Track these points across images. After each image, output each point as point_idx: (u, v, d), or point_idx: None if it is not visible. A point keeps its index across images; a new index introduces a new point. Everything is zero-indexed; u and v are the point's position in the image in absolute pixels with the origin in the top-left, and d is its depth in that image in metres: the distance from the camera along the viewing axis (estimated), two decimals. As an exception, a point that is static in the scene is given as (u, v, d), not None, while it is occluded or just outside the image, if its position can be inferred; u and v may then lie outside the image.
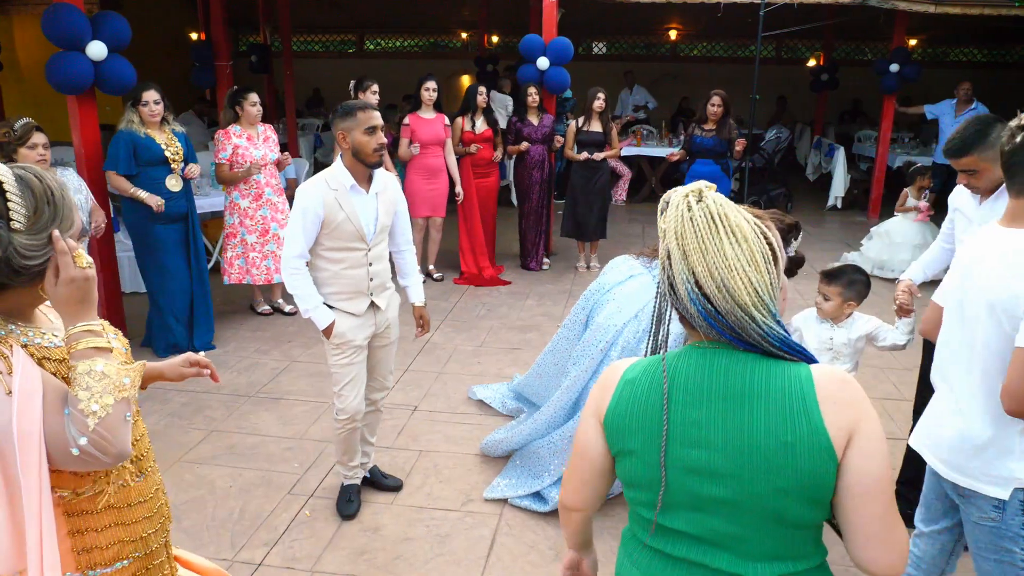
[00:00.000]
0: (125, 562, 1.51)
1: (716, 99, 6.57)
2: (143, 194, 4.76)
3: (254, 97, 5.52)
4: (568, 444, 3.35)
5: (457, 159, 6.82)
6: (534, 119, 6.99)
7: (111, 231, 5.08)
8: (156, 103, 4.77)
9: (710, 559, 1.29)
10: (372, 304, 3.15)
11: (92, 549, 1.46)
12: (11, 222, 1.31)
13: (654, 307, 1.41)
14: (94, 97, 4.86)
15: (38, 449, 1.30)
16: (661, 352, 1.38)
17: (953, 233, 3.10)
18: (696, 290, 1.25)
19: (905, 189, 7.34)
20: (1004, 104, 5.59)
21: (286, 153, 5.75)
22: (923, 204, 7.10)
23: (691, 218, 1.25)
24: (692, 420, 1.27)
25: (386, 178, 3.15)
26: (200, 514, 3.33)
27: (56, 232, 1.35)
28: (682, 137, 8.76)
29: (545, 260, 7.39)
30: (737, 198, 9.89)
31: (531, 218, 7.18)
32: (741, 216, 1.27)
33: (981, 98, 9.06)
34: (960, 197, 3.00)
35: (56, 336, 1.45)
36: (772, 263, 1.27)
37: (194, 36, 13.43)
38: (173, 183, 4.92)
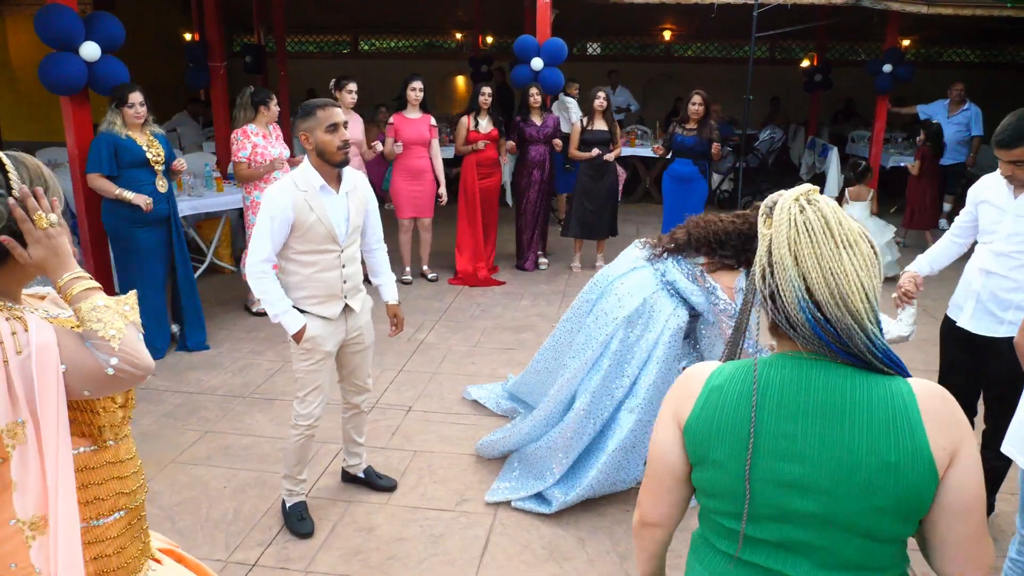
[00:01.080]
0: (120, 513, 1.64)
1: (697, 98, 6.60)
2: (129, 194, 4.68)
3: (275, 98, 5.58)
4: (568, 442, 3.33)
5: (462, 158, 6.85)
6: (537, 119, 7.01)
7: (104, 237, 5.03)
8: (141, 105, 4.72)
9: (789, 567, 1.26)
10: (346, 307, 3.11)
11: (95, 500, 1.59)
12: (11, 191, 1.43)
13: (737, 317, 1.38)
14: (87, 98, 4.86)
15: (56, 399, 1.41)
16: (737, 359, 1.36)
17: (969, 227, 3.13)
18: (807, 297, 1.19)
19: (849, 189, 7.42)
20: (997, 104, 5.60)
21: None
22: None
23: (804, 222, 1.20)
24: (785, 432, 1.22)
25: (356, 177, 3.12)
26: (194, 515, 3.33)
27: (11, 200, 1.44)
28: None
29: (542, 260, 7.40)
30: (731, 198, 9.94)
31: (528, 217, 7.19)
32: (850, 220, 1.24)
33: (975, 98, 9.11)
34: (987, 190, 3.04)
35: (47, 311, 1.56)
36: (878, 269, 1.24)
37: (188, 37, 13.43)
38: (160, 184, 4.88)
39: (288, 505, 3.27)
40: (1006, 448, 2.22)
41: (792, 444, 1.22)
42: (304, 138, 2.94)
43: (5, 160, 1.45)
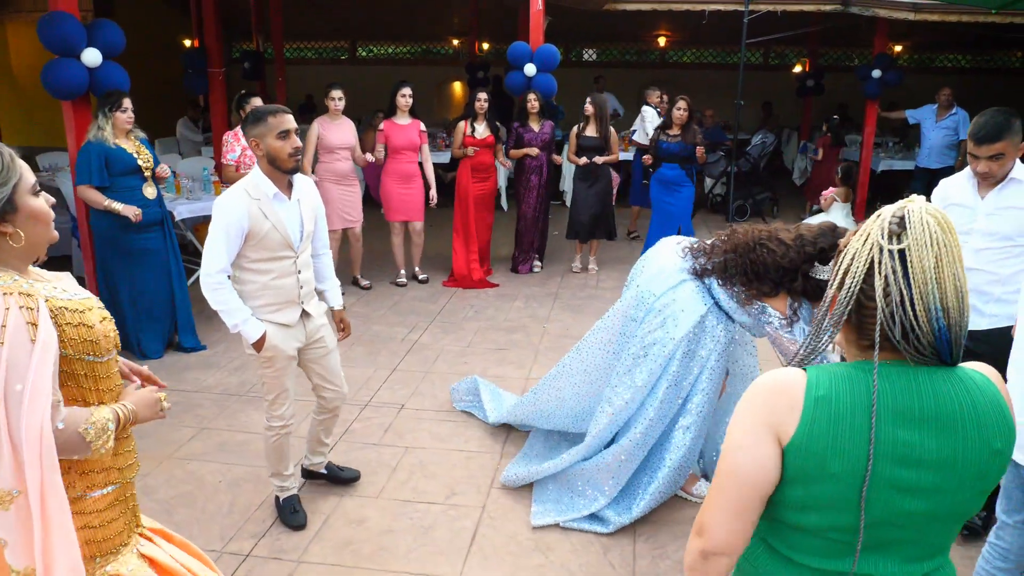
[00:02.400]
0: (112, 487, 1.77)
1: (682, 104, 6.72)
2: (118, 206, 4.71)
3: (256, 101, 5.64)
4: (621, 464, 3.24)
5: (457, 162, 6.96)
6: (535, 125, 7.13)
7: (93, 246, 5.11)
8: (132, 110, 4.78)
9: (879, 567, 1.29)
10: (303, 312, 3.14)
11: (90, 472, 1.72)
12: None
13: (816, 325, 1.34)
14: (89, 102, 4.96)
15: (46, 401, 1.53)
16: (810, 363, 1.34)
17: None
18: (940, 307, 1.21)
19: (835, 191, 7.55)
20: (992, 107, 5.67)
21: None
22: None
23: (941, 234, 1.22)
24: (903, 440, 1.23)
25: (305, 183, 3.13)
26: (190, 508, 3.42)
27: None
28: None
29: (537, 263, 7.50)
30: (723, 201, 10.06)
31: (528, 221, 7.30)
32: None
33: (968, 103, 9.22)
34: (953, 193, 3.18)
35: (66, 291, 1.69)
36: None
37: (187, 43, 13.55)
38: (150, 191, 4.95)
39: (281, 500, 3.35)
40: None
41: (910, 451, 1.23)
42: (255, 144, 2.93)
43: None
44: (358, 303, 6.39)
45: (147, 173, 4.90)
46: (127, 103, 4.74)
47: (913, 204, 1.24)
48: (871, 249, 1.24)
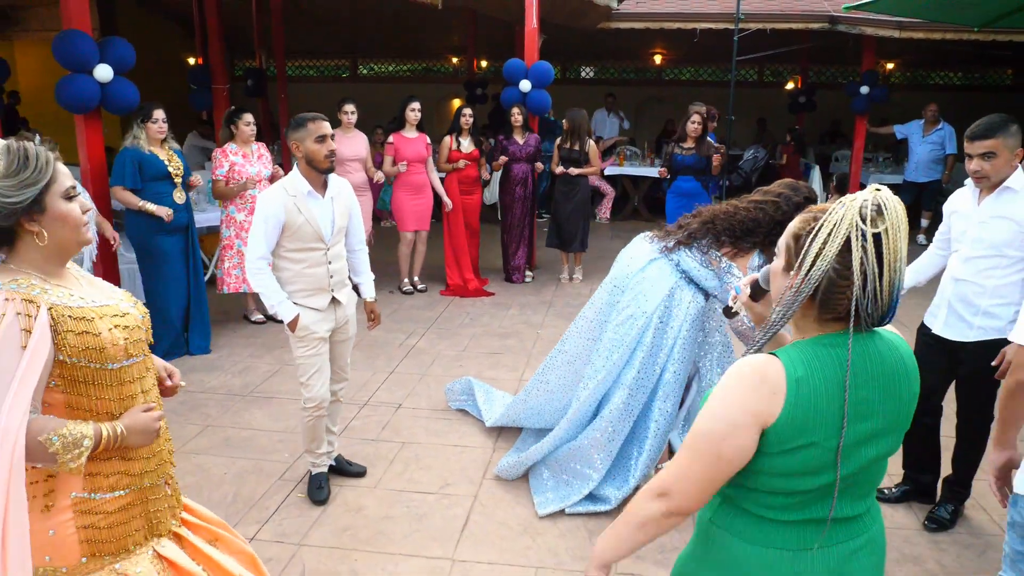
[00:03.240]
0: (123, 492, 1.82)
1: (696, 118, 6.91)
2: (151, 206, 5.08)
3: (248, 117, 5.86)
4: (607, 437, 3.42)
5: (443, 176, 7.17)
6: (519, 138, 7.35)
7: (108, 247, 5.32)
8: (164, 121, 5.13)
9: (837, 510, 1.45)
10: (333, 299, 3.42)
11: (97, 475, 1.77)
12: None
13: (788, 304, 1.44)
14: (100, 116, 5.17)
15: (25, 407, 1.59)
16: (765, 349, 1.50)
17: (947, 238, 3.34)
18: (900, 282, 1.37)
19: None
20: None
21: (278, 167, 6.08)
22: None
23: (902, 215, 1.36)
24: (863, 398, 1.40)
25: (340, 184, 3.45)
26: (196, 498, 3.56)
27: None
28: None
29: (528, 273, 7.70)
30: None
31: (514, 232, 7.51)
32: None
33: (959, 120, 9.43)
34: (957, 201, 3.28)
35: (83, 298, 1.78)
36: None
37: (191, 60, 13.83)
38: (178, 196, 5.25)
39: (312, 474, 3.63)
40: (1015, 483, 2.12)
41: (867, 406, 1.41)
42: (295, 146, 3.27)
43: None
44: (358, 310, 6.55)
45: (176, 180, 5.18)
46: (157, 115, 5.07)
47: (883, 192, 1.37)
48: (847, 231, 1.35)
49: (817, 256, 1.37)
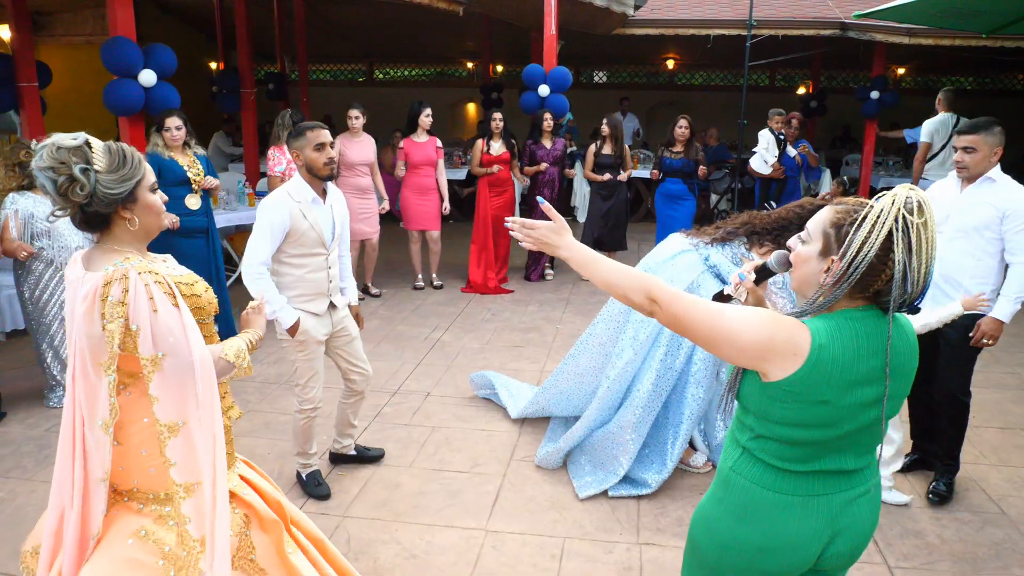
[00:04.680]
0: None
1: (683, 123, 7.20)
2: None
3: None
4: (637, 419, 3.61)
5: (474, 178, 7.45)
6: (547, 142, 7.61)
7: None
8: (178, 129, 5.22)
9: (840, 463, 1.66)
10: (331, 304, 3.52)
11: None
12: (94, 166, 1.94)
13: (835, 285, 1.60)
14: (143, 119, 5.44)
15: (200, 339, 1.95)
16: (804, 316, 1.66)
17: None
18: (933, 270, 1.55)
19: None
20: None
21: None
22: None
23: (933, 214, 1.54)
24: (873, 367, 1.59)
25: (336, 192, 3.56)
26: (243, 475, 3.84)
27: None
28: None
29: (548, 272, 7.94)
30: (727, 216, 10.47)
31: None
32: None
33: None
34: (937, 189, 3.64)
35: (174, 270, 2.10)
36: None
37: (212, 65, 14.16)
38: (192, 202, 5.40)
39: (304, 476, 3.70)
40: None
41: (874, 373, 1.60)
42: (296, 155, 3.37)
43: (93, 144, 1.97)
44: (383, 307, 6.83)
45: (196, 186, 5.35)
46: (169, 123, 5.16)
47: (919, 191, 1.53)
48: (891, 222, 1.50)
49: (864, 243, 1.53)
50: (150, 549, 1.95)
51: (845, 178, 8.98)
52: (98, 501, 1.94)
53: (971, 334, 3.41)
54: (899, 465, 3.71)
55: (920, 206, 1.52)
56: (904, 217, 1.51)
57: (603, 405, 3.77)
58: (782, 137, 8.58)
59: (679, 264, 3.60)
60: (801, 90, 14.23)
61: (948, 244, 3.52)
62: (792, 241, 1.75)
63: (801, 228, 3.17)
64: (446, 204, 7.33)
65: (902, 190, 1.54)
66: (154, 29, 11.40)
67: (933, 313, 3.39)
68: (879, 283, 1.56)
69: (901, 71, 15.14)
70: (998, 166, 3.45)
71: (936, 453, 3.78)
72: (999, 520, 3.46)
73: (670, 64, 15.23)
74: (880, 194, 1.56)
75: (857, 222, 1.56)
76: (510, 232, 1.91)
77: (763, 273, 1.93)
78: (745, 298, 1.97)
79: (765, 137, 8.52)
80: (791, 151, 8.26)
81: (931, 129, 7.95)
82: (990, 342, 3.41)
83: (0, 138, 13.88)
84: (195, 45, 13.92)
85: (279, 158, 6.04)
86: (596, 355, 3.96)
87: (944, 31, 8.75)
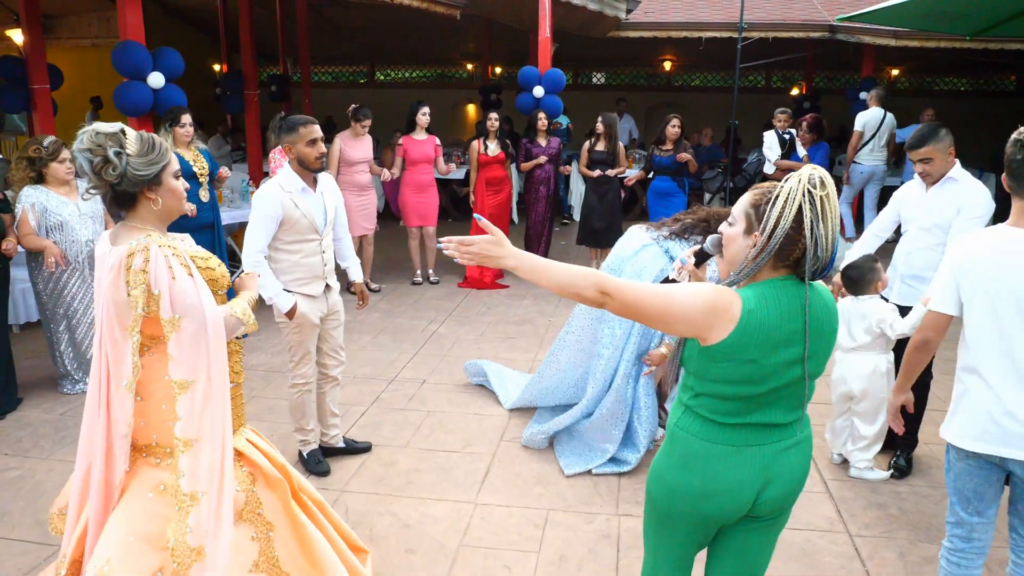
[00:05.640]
0: (231, 385, 2.36)
1: (675, 121, 7.39)
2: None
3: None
4: (618, 408, 3.88)
5: (474, 177, 7.73)
6: (542, 141, 7.86)
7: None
8: (190, 125, 5.51)
9: (771, 416, 1.87)
10: (326, 286, 3.73)
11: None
12: (126, 149, 2.19)
13: (753, 261, 1.81)
14: (152, 120, 5.67)
15: (213, 302, 2.22)
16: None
17: (889, 224, 3.95)
18: (836, 239, 1.77)
19: None
20: (988, 129, 5.96)
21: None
22: None
23: (833, 186, 1.76)
24: (793, 329, 1.80)
25: (327, 179, 3.75)
26: (248, 455, 4.07)
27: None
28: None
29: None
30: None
31: (537, 228, 7.99)
32: None
33: (965, 124, 9.82)
34: (906, 192, 3.87)
35: (190, 248, 2.34)
36: None
37: (215, 67, 14.41)
38: (203, 194, 5.67)
39: (305, 454, 3.90)
40: (965, 443, 2.39)
41: (795, 335, 1.80)
42: (287, 148, 3.53)
43: (127, 129, 2.22)
44: (382, 301, 7.07)
45: (202, 179, 5.61)
46: (185, 119, 5.45)
47: (818, 169, 1.75)
48: (800, 196, 1.73)
49: (779, 216, 1.75)
50: (169, 502, 2.19)
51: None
52: (120, 454, 2.18)
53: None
54: (877, 449, 3.88)
55: (822, 181, 1.74)
56: (810, 191, 1.74)
57: (591, 399, 4.00)
58: (788, 137, 8.35)
59: (643, 259, 3.84)
60: (795, 91, 14.45)
61: (915, 241, 3.73)
62: (722, 226, 1.98)
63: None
64: (449, 167, 7.68)
65: (806, 170, 1.77)
66: (156, 30, 11.63)
67: (906, 322, 3.59)
68: (796, 252, 1.78)
69: (895, 72, 15.36)
70: (958, 164, 3.64)
71: (893, 433, 4.01)
72: (957, 494, 3.69)
73: (667, 66, 15.46)
74: (787, 176, 1.80)
75: (772, 200, 1.79)
76: (444, 252, 1.95)
77: (701, 256, 2.17)
78: (688, 280, 2.20)
79: (769, 137, 8.51)
80: (800, 151, 8.01)
81: (864, 121, 8.81)
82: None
83: (7, 140, 14.17)
84: (197, 46, 14.17)
85: (280, 160, 6.28)
86: (574, 351, 4.21)
87: (929, 34, 8.97)
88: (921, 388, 3.82)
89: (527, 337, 6.04)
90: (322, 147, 3.58)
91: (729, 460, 1.89)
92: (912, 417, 3.85)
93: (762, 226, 1.80)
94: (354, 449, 4.13)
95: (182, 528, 2.12)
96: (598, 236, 7.87)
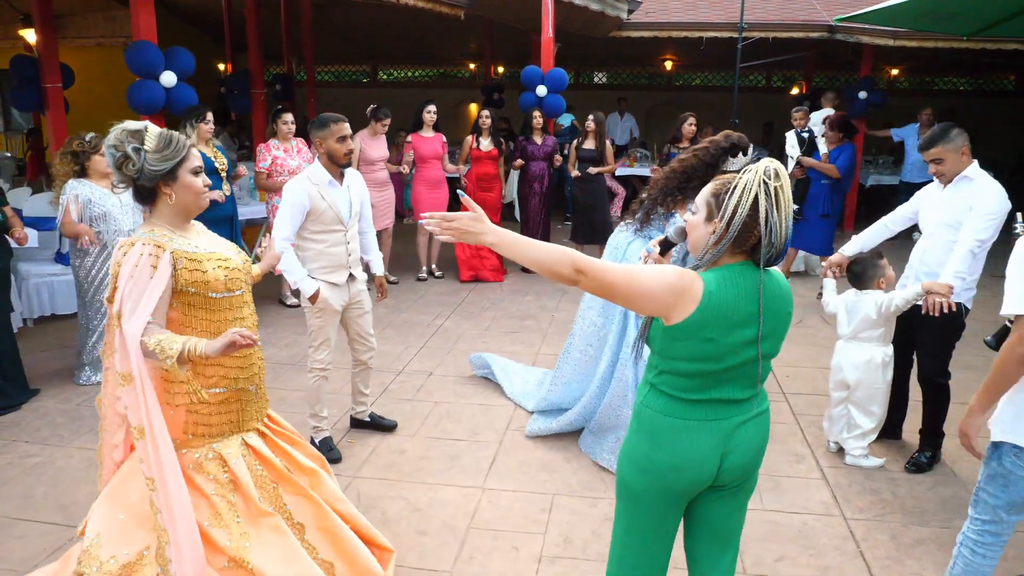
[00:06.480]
0: (220, 389, 2.45)
1: (691, 119, 7.50)
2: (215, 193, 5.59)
3: (287, 117, 6.52)
4: (622, 399, 3.97)
5: (463, 173, 7.83)
6: (538, 139, 7.98)
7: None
8: (212, 122, 5.71)
9: (728, 392, 1.98)
10: (350, 275, 3.91)
11: (202, 375, 2.42)
12: (145, 145, 2.31)
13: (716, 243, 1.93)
14: (164, 118, 5.79)
15: (143, 318, 2.24)
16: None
17: (903, 218, 4.00)
18: (790, 228, 1.88)
19: None
20: (988, 128, 5.89)
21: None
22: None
23: (787, 178, 1.87)
24: (749, 311, 1.90)
25: (354, 174, 3.95)
26: (261, 443, 4.19)
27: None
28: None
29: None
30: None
31: (532, 225, 8.11)
32: None
33: (965, 124, 9.82)
34: (926, 191, 3.92)
35: (198, 246, 2.42)
36: None
37: (220, 67, 14.53)
38: (226, 189, 5.84)
39: (317, 441, 4.02)
40: (996, 431, 2.36)
41: (752, 316, 1.92)
42: (318, 143, 3.75)
43: (148, 127, 2.34)
44: (389, 296, 7.08)
45: (221, 174, 5.77)
46: (210, 116, 5.65)
47: (774, 162, 1.86)
48: (756, 187, 1.84)
49: (737, 204, 1.86)
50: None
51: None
52: (109, 427, 2.38)
53: (929, 311, 3.53)
54: (872, 438, 3.98)
55: (777, 172, 1.86)
56: (765, 182, 1.85)
57: (598, 387, 4.10)
58: (806, 135, 7.96)
59: (631, 254, 3.93)
60: (795, 91, 14.57)
61: (930, 239, 3.78)
62: (686, 215, 2.11)
63: (705, 172, 3.49)
64: (458, 167, 7.85)
65: (763, 162, 1.89)
66: (159, 29, 11.75)
67: (900, 294, 3.71)
68: (752, 239, 1.91)
69: (894, 72, 15.47)
70: (975, 164, 3.68)
71: (894, 423, 4.15)
72: (950, 481, 3.81)
73: (668, 65, 15.58)
74: (745, 168, 1.91)
75: (730, 190, 1.91)
76: (426, 227, 2.03)
77: (666, 244, 2.30)
78: None
79: (790, 138, 8.28)
80: (822, 149, 7.65)
81: (818, 119, 8.74)
82: (941, 300, 3.49)
83: (13, 137, 14.23)
84: (199, 46, 14.25)
85: (263, 154, 6.41)
86: (593, 339, 4.23)
87: (927, 34, 9.08)
88: (938, 389, 3.90)
89: (530, 332, 6.16)
90: (351, 144, 3.80)
91: (693, 434, 2.01)
92: (932, 415, 3.95)
93: (720, 214, 1.91)
94: (380, 424, 4.31)
95: (154, 509, 2.28)
96: (585, 233, 7.98)
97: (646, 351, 2.13)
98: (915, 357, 4.05)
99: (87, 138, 4.88)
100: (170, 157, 2.37)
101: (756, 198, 1.86)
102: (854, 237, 4.09)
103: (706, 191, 2.02)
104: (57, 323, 6.29)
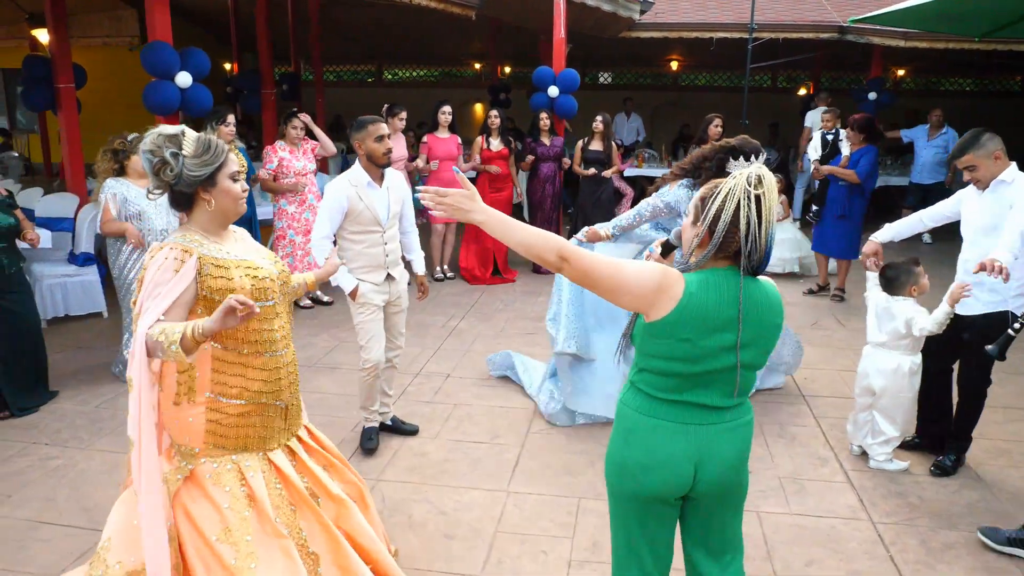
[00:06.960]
0: (242, 402, 2.36)
1: (718, 121, 7.34)
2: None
3: (296, 122, 6.46)
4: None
5: (477, 174, 7.80)
6: (546, 140, 7.96)
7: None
8: (233, 124, 5.70)
9: (706, 398, 1.98)
10: (388, 276, 3.95)
11: (221, 384, 2.35)
12: (183, 150, 2.29)
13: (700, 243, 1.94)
14: (179, 118, 5.78)
15: (153, 316, 2.18)
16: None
17: (941, 215, 3.96)
18: (772, 235, 1.89)
19: None
20: (993, 129, 5.87)
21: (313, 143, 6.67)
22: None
23: (772, 184, 1.86)
24: (730, 316, 1.90)
25: (395, 176, 3.98)
26: (282, 445, 4.18)
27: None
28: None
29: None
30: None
31: (541, 226, 8.08)
32: None
33: (971, 125, 9.83)
34: (966, 195, 3.85)
35: (229, 253, 2.37)
36: None
37: (226, 67, 14.52)
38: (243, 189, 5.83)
39: (364, 428, 4.16)
40: None
41: (732, 322, 1.91)
42: (357, 145, 3.81)
43: (187, 132, 2.31)
44: (403, 297, 7.16)
45: (242, 176, 5.75)
46: (231, 118, 5.67)
47: (761, 168, 1.86)
48: (739, 194, 1.85)
49: (720, 209, 1.87)
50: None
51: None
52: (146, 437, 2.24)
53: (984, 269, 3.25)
54: (896, 445, 3.95)
55: (760, 179, 1.86)
56: (747, 189, 1.85)
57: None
58: (830, 137, 7.80)
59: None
60: (802, 91, 14.56)
61: (971, 247, 3.73)
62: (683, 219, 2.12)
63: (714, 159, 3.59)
64: (471, 165, 7.84)
65: (749, 168, 1.88)
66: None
67: (930, 319, 3.66)
68: (735, 245, 1.90)
69: (901, 72, 15.46)
70: (1013, 166, 3.63)
71: (935, 435, 4.06)
72: (975, 484, 3.79)
73: (674, 66, 15.56)
74: (733, 174, 1.91)
75: (714, 195, 1.91)
76: (421, 201, 2.07)
77: (667, 247, 2.30)
78: None
79: (815, 140, 8.13)
80: (844, 150, 7.38)
81: (813, 119, 8.84)
82: (997, 275, 3.23)
83: (20, 137, 14.20)
84: (204, 46, 14.23)
85: (270, 156, 6.37)
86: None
87: (938, 35, 9.07)
88: (977, 398, 3.87)
89: (544, 334, 6.13)
90: (388, 144, 3.82)
91: (665, 434, 2.01)
92: (964, 420, 3.91)
93: (701, 218, 1.93)
94: (400, 429, 4.30)
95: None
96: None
97: (632, 352, 2.14)
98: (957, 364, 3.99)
99: (129, 138, 4.88)
100: (210, 162, 2.34)
101: (738, 204, 1.86)
102: (887, 225, 4.04)
103: (696, 195, 2.02)
104: (71, 324, 6.27)
